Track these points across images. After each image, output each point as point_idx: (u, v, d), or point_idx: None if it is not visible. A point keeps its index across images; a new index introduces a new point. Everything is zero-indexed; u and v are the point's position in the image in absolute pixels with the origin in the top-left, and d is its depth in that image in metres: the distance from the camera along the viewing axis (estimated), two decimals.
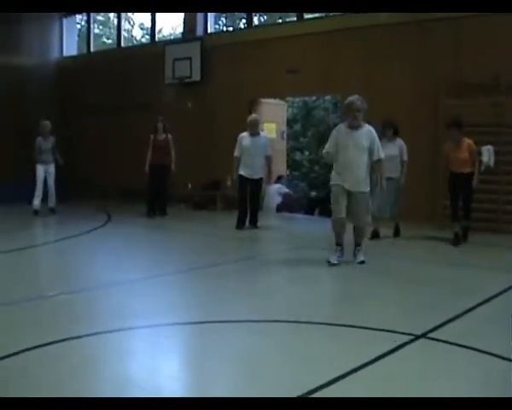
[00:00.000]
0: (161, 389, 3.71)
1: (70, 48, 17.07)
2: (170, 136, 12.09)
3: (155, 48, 14.78)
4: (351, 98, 7.39)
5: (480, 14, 9.67)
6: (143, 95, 14.42)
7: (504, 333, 4.64)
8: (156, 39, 16.07)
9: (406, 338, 4.45)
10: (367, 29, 11.18)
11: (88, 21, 17.02)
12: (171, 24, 24.19)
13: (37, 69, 15.93)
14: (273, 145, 11.45)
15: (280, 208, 12.94)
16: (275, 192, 13.09)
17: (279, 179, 13.50)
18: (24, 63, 15.60)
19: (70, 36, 17.14)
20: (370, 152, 7.32)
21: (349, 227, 7.55)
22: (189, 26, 14.32)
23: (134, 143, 13.50)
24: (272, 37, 12.65)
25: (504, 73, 9.63)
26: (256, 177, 10.26)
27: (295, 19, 12.99)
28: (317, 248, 7.65)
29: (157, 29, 20.47)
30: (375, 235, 9.28)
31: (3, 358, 4.02)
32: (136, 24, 23.78)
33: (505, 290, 6.05)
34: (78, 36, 18.19)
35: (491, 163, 9.09)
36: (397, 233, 9.41)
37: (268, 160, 10.39)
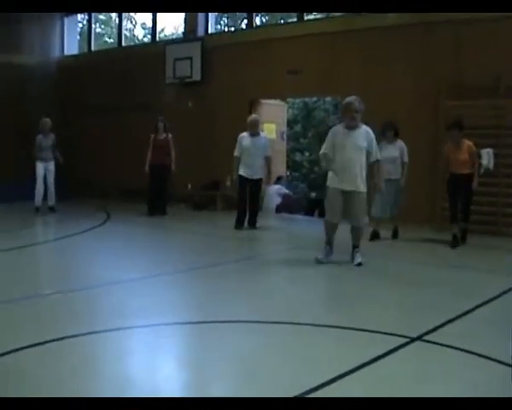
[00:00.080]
0: (161, 389, 3.72)
1: (71, 47, 17.08)
2: (170, 135, 12.11)
3: (156, 47, 14.78)
4: (349, 99, 7.44)
5: (481, 16, 9.69)
6: (144, 94, 14.43)
7: (501, 336, 4.66)
8: (157, 39, 16.06)
9: (402, 341, 4.46)
10: (368, 31, 11.19)
11: (89, 20, 17.03)
12: (173, 24, 24.16)
13: (38, 68, 15.92)
14: (273, 146, 11.46)
15: (279, 209, 12.95)
16: (274, 193, 13.09)
17: (279, 180, 13.51)
18: (25, 62, 15.59)
19: (71, 35, 17.14)
20: (368, 153, 7.35)
21: (346, 228, 7.57)
22: (189, 26, 14.33)
23: (134, 142, 13.52)
24: (273, 37, 12.66)
25: (505, 75, 9.64)
26: (255, 177, 10.27)
27: (296, 20, 13.02)
28: (316, 249, 7.63)
29: (159, 29, 20.55)
30: (375, 236, 9.30)
31: (2, 355, 4.03)
32: (138, 23, 23.85)
33: (504, 293, 6.05)
34: (80, 35, 18.21)
35: (491, 166, 9.10)
36: (395, 235, 9.42)
37: (268, 160, 10.40)
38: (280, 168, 13.74)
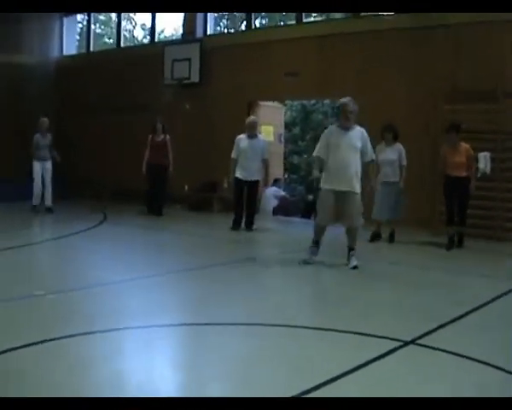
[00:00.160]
0: (156, 390, 3.70)
1: (70, 47, 17.08)
2: (168, 136, 12.10)
3: (154, 48, 14.78)
4: (343, 100, 7.49)
5: (478, 20, 9.71)
6: (142, 95, 14.41)
7: (495, 340, 4.65)
8: (156, 40, 16.06)
9: (396, 344, 4.44)
10: (366, 34, 11.20)
11: (88, 21, 17.02)
12: (173, 25, 24.22)
13: (36, 68, 15.92)
14: (270, 148, 11.44)
15: (276, 211, 12.94)
16: (271, 195, 13.09)
17: (276, 182, 13.50)
18: (24, 62, 15.58)
19: (70, 35, 17.14)
20: (362, 153, 7.35)
21: (341, 231, 7.56)
22: (188, 27, 14.32)
23: (133, 143, 13.48)
24: (271, 39, 12.66)
25: (501, 80, 9.64)
26: (252, 179, 10.25)
27: (294, 22, 13.01)
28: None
29: (159, 30, 20.60)
30: (376, 236, 9.35)
31: None
32: (138, 24, 23.87)
33: (499, 297, 6.05)
34: (80, 35, 18.21)
35: (488, 170, 9.12)
36: (391, 238, 9.39)
37: (265, 163, 10.39)
38: (277, 171, 13.74)
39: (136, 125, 13.78)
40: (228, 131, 11.54)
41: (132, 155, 12.89)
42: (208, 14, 14.17)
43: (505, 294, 6.20)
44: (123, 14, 16.71)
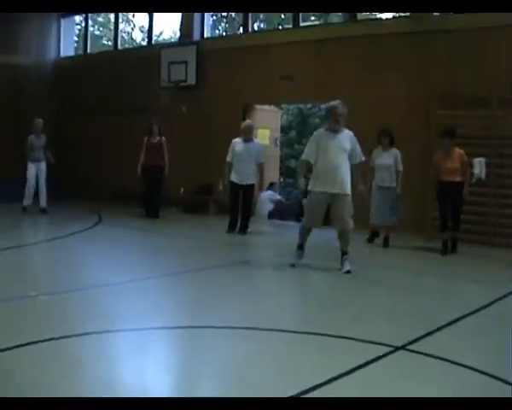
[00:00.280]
0: (149, 392, 3.69)
1: (67, 48, 17.09)
2: (164, 138, 12.11)
3: (151, 51, 14.80)
4: (333, 103, 7.51)
5: (475, 26, 9.76)
6: (139, 97, 14.41)
7: (486, 346, 4.67)
8: (153, 42, 16.06)
9: (386, 349, 4.43)
10: (362, 38, 11.24)
11: (86, 22, 17.02)
12: (171, 28, 24.22)
13: (33, 69, 15.91)
14: (266, 152, 11.45)
15: (272, 215, 12.93)
16: (266, 199, 13.08)
17: (271, 186, 13.49)
18: (21, 62, 15.57)
19: (67, 36, 17.16)
20: (351, 155, 7.37)
21: (334, 235, 7.58)
22: (185, 30, 14.33)
23: (131, 144, 13.45)
24: (268, 43, 12.69)
25: (496, 85, 9.67)
26: (247, 183, 10.26)
27: (291, 26, 13.04)
28: (307, 256, 7.62)
29: (158, 32, 20.62)
30: (375, 235, 9.44)
31: None
32: (137, 27, 23.90)
33: (492, 303, 6.05)
34: (78, 37, 18.21)
35: (483, 175, 9.13)
36: (386, 244, 9.39)
37: (260, 167, 10.40)
38: (273, 174, 13.74)
39: (135, 126, 13.77)
40: (224, 134, 11.55)
41: (131, 156, 12.88)
42: (205, 17, 14.20)
43: (499, 299, 6.20)
44: (121, 17, 16.75)
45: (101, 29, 23.50)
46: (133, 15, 23.17)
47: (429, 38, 10.46)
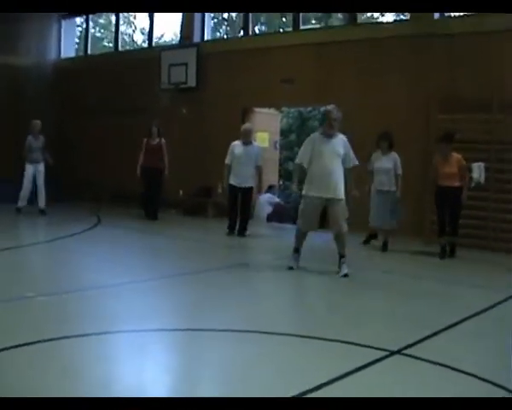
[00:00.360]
0: (147, 394, 3.67)
1: (68, 50, 17.08)
2: (163, 140, 12.11)
3: (152, 53, 14.80)
4: (328, 108, 7.54)
5: (475, 30, 9.77)
6: (139, 99, 14.40)
7: (485, 351, 4.67)
8: (154, 44, 16.07)
9: (382, 354, 4.41)
10: (363, 42, 11.24)
11: (87, 24, 17.02)
12: (172, 30, 24.20)
13: (34, 70, 15.90)
14: (265, 154, 11.44)
15: (270, 218, 12.92)
16: (265, 202, 13.07)
17: (270, 189, 13.49)
18: (21, 63, 15.56)
19: (68, 38, 17.15)
20: (344, 160, 7.39)
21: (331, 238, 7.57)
22: (186, 32, 14.34)
23: (132, 146, 13.42)
24: (268, 46, 12.68)
25: (497, 89, 9.67)
26: (245, 185, 10.27)
27: (291, 29, 13.05)
28: (305, 259, 7.62)
29: (159, 35, 20.61)
30: (372, 237, 9.48)
31: None
32: (138, 29, 23.86)
33: (490, 307, 6.03)
34: (79, 38, 18.21)
35: (482, 180, 9.13)
36: (384, 247, 9.37)
37: (258, 170, 10.40)
38: (272, 177, 13.74)
39: (135, 128, 13.75)
40: (223, 137, 11.54)
41: (131, 158, 12.88)
42: (206, 19, 14.20)
43: (498, 303, 6.19)
44: (123, 19, 16.75)
45: (102, 31, 23.50)
46: (134, 17, 23.17)
47: (430, 42, 10.46)
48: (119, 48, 16.40)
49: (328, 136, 7.38)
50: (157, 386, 3.88)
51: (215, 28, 20.24)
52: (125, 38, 23.12)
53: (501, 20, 9.51)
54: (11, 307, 5.35)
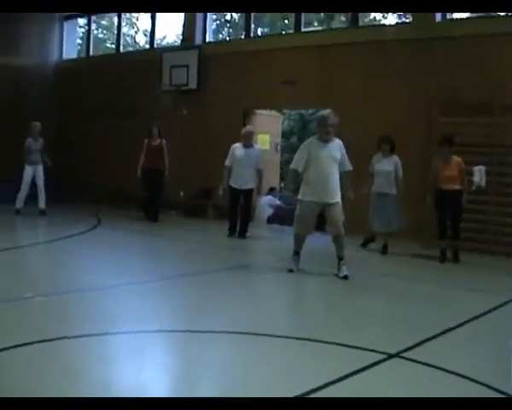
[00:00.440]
0: (148, 394, 3.67)
1: (70, 51, 17.10)
2: (164, 141, 12.11)
3: (153, 54, 14.80)
4: (324, 112, 7.55)
5: (477, 33, 9.76)
6: (140, 100, 14.42)
7: (482, 354, 4.66)
8: (155, 46, 16.08)
9: (380, 357, 4.41)
10: (365, 44, 11.24)
11: (89, 25, 17.04)
12: (175, 32, 24.21)
13: (35, 71, 15.92)
14: (266, 157, 11.43)
15: (271, 220, 12.91)
16: (266, 204, 13.06)
17: (271, 191, 13.48)
18: (22, 64, 15.58)
19: (70, 39, 17.17)
20: (339, 164, 7.40)
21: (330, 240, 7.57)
22: (188, 34, 14.34)
23: (133, 147, 13.44)
24: (270, 48, 12.68)
25: (498, 92, 9.66)
26: (246, 188, 10.26)
27: (293, 31, 13.05)
28: (304, 261, 7.62)
29: (161, 36, 20.62)
30: (371, 240, 9.47)
31: None
32: (141, 30, 23.89)
33: (490, 311, 6.02)
34: (81, 39, 18.23)
35: (483, 183, 9.12)
36: (384, 251, 9.36)
37: (259, 173, 10.39)
38: (273, 179, 13.73)
39: (136, 129, 13.75)
40: (224, 138, 11.53)
41: (132, 159, 12.88)
42: (208, 21, 14.21)
43: (499, 307, 6.19)
44: (125, 20, 16.75)
45: (104, 32, 23.54)
46: (137, 19, 23.22)
47: (432, 45, 10.45)
48: (121, 49, 16.39)
49: (325, 141, 7.39)
50: (157, 387, 3.88)
51: (217, 30, 20.26)
52: (128, 39, 23.16)
53: (503, 23, 9.51)
54: (11, 308, 5.36)
